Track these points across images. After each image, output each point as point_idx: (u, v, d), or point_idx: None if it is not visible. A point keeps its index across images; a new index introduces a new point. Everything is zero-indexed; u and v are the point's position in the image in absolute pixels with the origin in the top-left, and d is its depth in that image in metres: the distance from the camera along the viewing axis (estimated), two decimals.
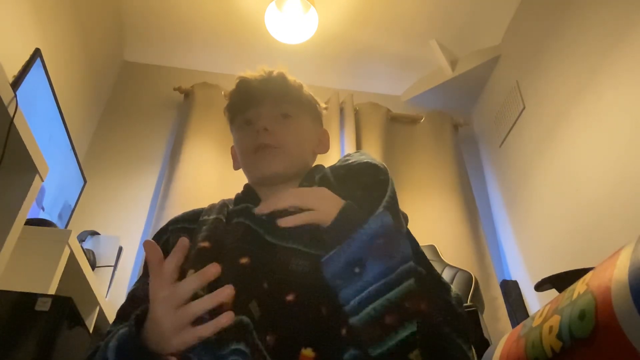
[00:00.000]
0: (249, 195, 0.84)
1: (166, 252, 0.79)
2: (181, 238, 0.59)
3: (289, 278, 0.66)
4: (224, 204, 0.84)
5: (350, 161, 0.81)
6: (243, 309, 0.61)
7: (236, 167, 0.93)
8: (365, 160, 0.79)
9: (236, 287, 0.57)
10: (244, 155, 0.86)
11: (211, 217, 0.80)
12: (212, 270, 0.56)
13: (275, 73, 0.89)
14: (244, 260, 0.68)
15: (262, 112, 0.85)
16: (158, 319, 0.56)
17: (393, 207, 0.71)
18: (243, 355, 0.57)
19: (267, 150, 0.81)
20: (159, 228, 1.98)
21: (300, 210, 0.65)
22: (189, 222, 0.84)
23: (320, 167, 0.86)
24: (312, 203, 0.65)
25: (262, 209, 0.67)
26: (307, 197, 0.67)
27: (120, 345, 0.61)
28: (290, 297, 0.63)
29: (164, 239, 0.83)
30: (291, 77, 0.90)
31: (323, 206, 0.65)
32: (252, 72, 0.89)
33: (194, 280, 0.56)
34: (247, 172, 0.87)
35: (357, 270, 0.60)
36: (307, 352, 0.58)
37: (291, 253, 0.69)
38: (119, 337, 0.63)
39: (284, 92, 0.87)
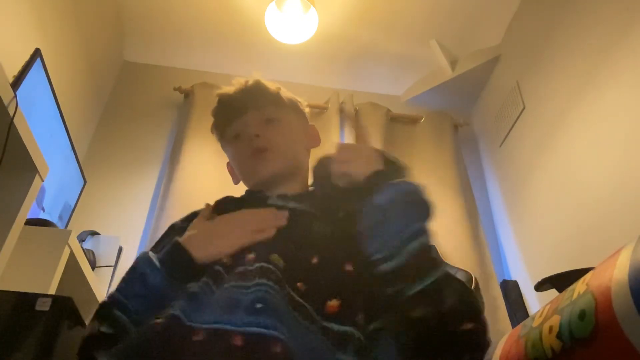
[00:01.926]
0: (254, 193, 0.87)
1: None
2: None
3: (312, 242, 0.71)
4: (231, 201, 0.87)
5: None
6: (266, 260, 0.66)
7: (236, 182, 0.97)
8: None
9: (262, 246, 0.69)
10: (241, 165, 0.91)
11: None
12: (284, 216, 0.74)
13: (250, 82, 0.93)
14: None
15: (247, 120, 0.89)
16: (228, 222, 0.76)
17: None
18: (268, 287, 0.61)
19: (261, 155, 0.86)
20: (159, 228, 1.98)
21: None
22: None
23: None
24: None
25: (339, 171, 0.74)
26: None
27: (167, 256, 0.71)
28: (315, 260, 0.68)
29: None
30: (268, 82, 0.94)
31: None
32: (229, 86, 0.95)
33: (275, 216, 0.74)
34: (247, 180, 0.91)
35: (380, 217, 0.66)
36: (333, 302, 0.62)
37: (311, 217, 0.76)
38: (160, 253, 0.73)
39: (263, 98, 0.92)
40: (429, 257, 0.65)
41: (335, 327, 0.60)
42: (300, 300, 0.62)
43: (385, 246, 0.64)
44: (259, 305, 0.58)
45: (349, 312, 0.62)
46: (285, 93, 0.96)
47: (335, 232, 0.72)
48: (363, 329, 0.61)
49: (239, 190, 0.91)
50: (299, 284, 0.63)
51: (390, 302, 0.62)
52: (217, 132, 0.97)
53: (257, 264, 0.65)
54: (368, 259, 0.65)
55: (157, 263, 0.70)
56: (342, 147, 0.77)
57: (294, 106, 0.96)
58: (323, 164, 0.81)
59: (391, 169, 0.73)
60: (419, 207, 0.68)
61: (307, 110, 0.99)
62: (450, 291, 0.62)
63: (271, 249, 0.68)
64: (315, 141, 0.98)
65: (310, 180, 0.87)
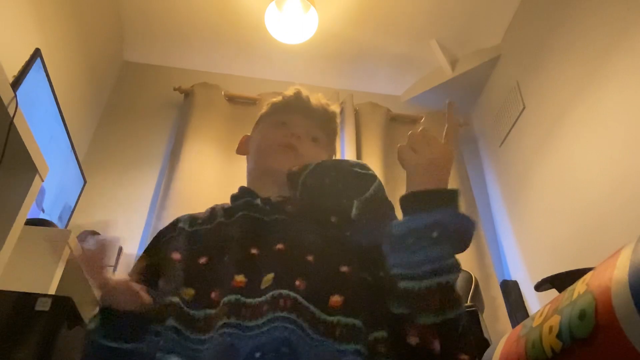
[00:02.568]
0: (246, 192, 0.86)
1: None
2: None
3: (304, 243, 0.70)
4: (216, 209, 0.86)
5: (342, 159, 0.88)
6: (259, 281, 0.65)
7: (239, 152, 0.99)
8: (356, 160, 0.88)
9: (257, 268, 0.66)
10: (266, 146, 0.92)
11: (206, 226, 0.81)
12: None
13: (331, 106, 0.98)
14: (254, 251, 0.70)
15: (303, 122, 0.93)
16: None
17: (381, 193, 0.79)
18: (286, 323, 0.59)
19: (291, 152, 0.88)
20: (158, 228, 1.97)
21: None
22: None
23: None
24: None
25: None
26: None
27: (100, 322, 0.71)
28: (309, 258, 0.67)
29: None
30: (338, 118, 1.00)
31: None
32: (312, 95, 0.98)
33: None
34: (259, 158, 0.92)
35: (435, 234, 0.63)
36: (336, 298, 0.62)
37: (299, 229, 0.74)
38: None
39: (326, 125, 0.97)
40: (455, 294, 0.63)
41: (343, 320, 0.60)
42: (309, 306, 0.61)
43: (411, 266, 0.62)
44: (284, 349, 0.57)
45: (353, 307, 0.62)
46: (336, 137, 1.01)
47: (327, 238, 0.71)
48: (365, 330, 0.61)
49: (239, 183, 0.90)
50: (297, 282, 0.63)
51: (397, 319, 0.62)
52: (271, 108, 0.99)
53: (269, 293, 0.62)
54: (387, 268, 0.65)
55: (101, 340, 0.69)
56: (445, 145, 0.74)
57: (331, 150, 1.00)
58: (315, 172, 0.82)
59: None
60: (463, 244, 0.66)
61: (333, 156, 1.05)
62: (460, 328, 0.61)
63: (262, 269, 0.66)
64: None
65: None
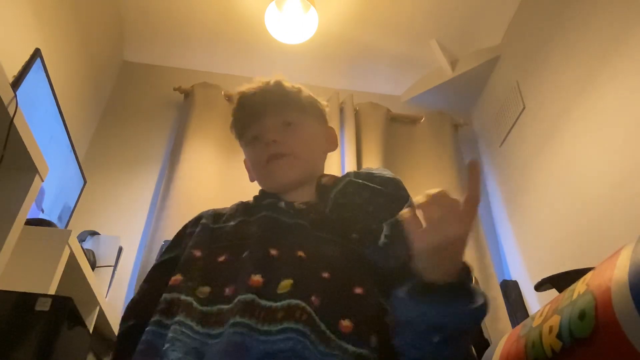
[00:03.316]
0: (270, 194, 0.86)
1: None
2: None
3: (323, 256, 0.69)
4: (240, 206, 0.86)
5: (375, 174, 0.85)
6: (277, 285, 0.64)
7: (252, 179, 0.95)
8: (388, 176, 0.85)
9: (270, 269, 0.65)
10: (258, 168, 0.89)
11: (229, 224, 0.81)
12: None
13: (272, 82, 0.91)
14: (273, 252, 0.69)
15: (266, 124, 0.87)
16: None
17: None
18: (298, 335, 0.58)
19: (279, 160, 0.84)
20: (159, 228, 1.97)
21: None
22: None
23: (334, 177, 0.88)
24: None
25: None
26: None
27: None
28: (325, 275, 0.66)
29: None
30: (288, 83, 0.92)
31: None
32: (250, 84, 0.92)
33: None
34: (263, 183, 0.90)
35: (435, 339, 0.57)
36: (346, 322, 0.61)
37: (320, 240, 0.72)
38: None
39: (283, 101, 0.89)
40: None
41: (351, 348, 0.59)
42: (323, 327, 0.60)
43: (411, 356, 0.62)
44: None
45: (362, 333, 0.61)
46: (306, 93, 0.93)
47: (345, 253, 0.70)
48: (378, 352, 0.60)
49: (239, 189, 0.91)
50: (313, 297, 0.62)
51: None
52: (235, 132, 0.95)
53: (286, 301, 0.61)
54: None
55: None
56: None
57: (313, 108, 0.93)
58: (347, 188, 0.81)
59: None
60: (471, 335, 0.63)
61: (327, 109, 0.97)
62: None
63: (280, 273, 0.65)
64: (333, 145, 0.96)
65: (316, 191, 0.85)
